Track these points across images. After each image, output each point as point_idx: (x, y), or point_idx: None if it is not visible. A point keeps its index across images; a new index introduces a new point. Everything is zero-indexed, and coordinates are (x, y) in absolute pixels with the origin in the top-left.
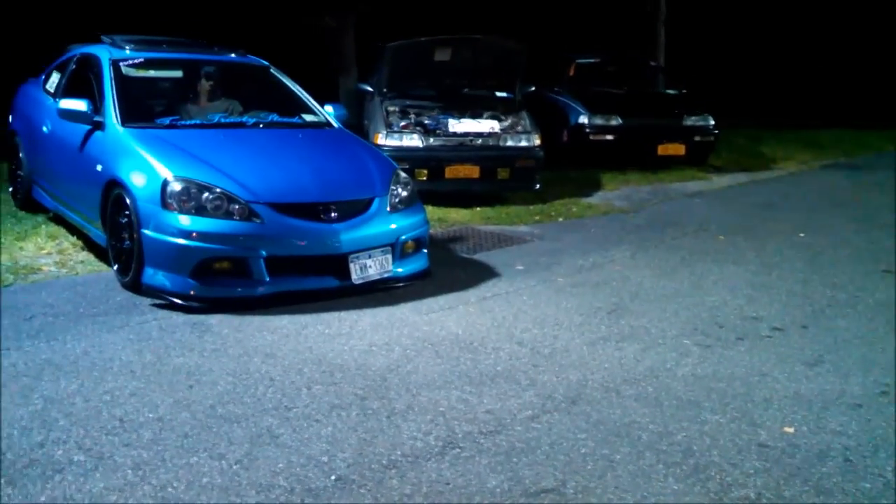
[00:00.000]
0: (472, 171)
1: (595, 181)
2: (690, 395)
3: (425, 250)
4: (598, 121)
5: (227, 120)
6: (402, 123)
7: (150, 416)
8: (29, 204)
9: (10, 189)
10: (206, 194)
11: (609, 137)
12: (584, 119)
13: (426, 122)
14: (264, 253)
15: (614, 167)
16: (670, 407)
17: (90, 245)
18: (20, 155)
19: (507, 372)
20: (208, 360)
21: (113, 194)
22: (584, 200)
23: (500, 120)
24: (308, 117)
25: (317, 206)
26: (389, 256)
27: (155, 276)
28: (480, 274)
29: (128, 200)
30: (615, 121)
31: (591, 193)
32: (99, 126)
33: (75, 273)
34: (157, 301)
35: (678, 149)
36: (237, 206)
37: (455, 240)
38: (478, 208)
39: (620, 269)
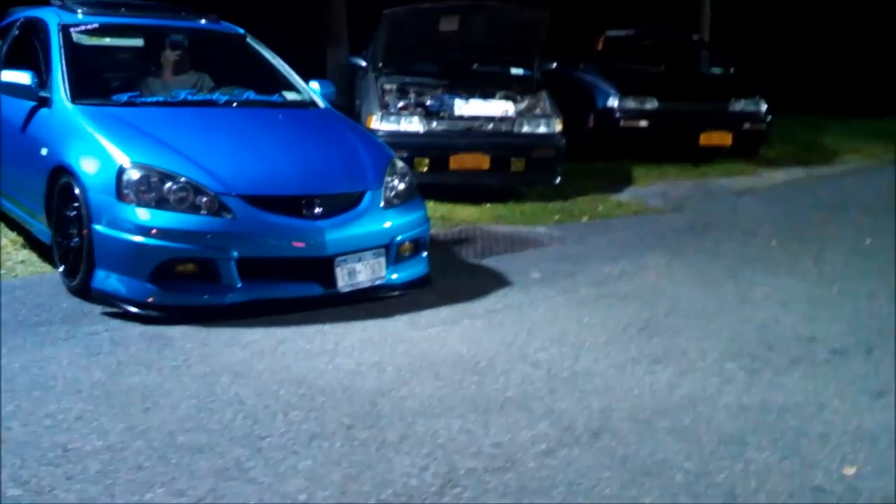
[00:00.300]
0: (482, 162)
1: (626, 175)
2: (734, 428)
3: (425, 253)
4: (631, 104)
5: (196, 97)
6: (401, 104)
7: (99, 444)
8: None
9: None
10: (168, 184)
11: (643, 124)
12: (613, 102)
13: (428, 102)
14: (236, 254)
15: (649, 159)
16: (710, 442)
17: (32, 242)
18: None
19: (518, 398)
20: (168, 380)
21: (60, 183)
22: (613, 198)
23: (515, 101)
24: (290, 95)
25: (298, 199)
26: (383, 260)
27: (107, 279)
28: (489, 282)
29: (77, 190)
30: (650, 104)
31: (622, 189)
32: (45, 103)
33: (14, 275)
34: (110, 309)
35: (724, 138)
36: (205, 199)
37: (460, 242)
38: (488, 205)
39: (654, 278)
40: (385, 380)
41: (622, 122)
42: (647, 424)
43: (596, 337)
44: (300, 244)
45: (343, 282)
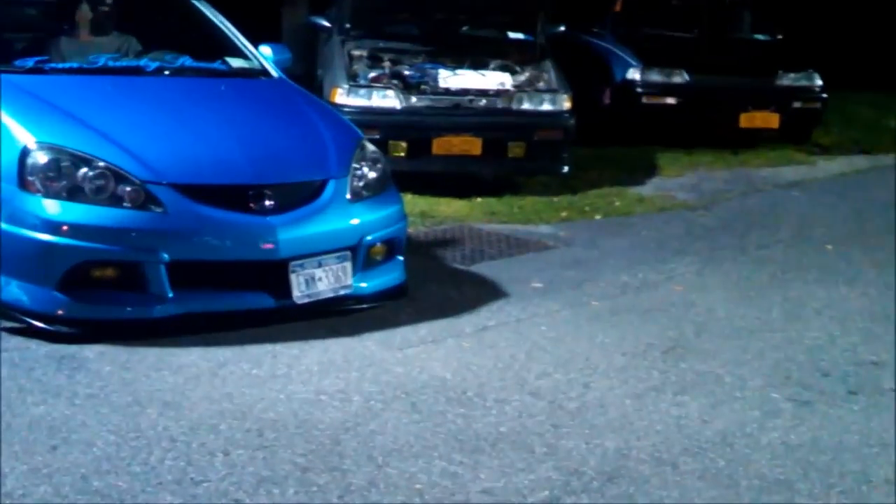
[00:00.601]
0: (472, 146)
1: (649, 163)
2: (779, 471)
3: (401, 258)
4: (656, 77)
5: (119, 64)
6: (372, 74)
7: None
8: None
9: None
10: (83, 170)
11: (670, 101)
12: (634, 74)
13: (406, 72)
14: (166, 256)
15: (677, 144)
16: (750, 488)
17: None
18: None
19: (514, 434)
20: (81, 411)
21: None
22: (633, 190)
23: (513, 72)
24: (235, 62)
25: (244, 189)
26: (349, 265)
27: (7, 287)
28: (480, 293)
29: None
30: (679, 77)
31: (644, 181)
32: None
33: None
34: (9, 324)
35: (769, 119)
36: (129, 188)
37: (445, 244)
38: (479, 199)
39: (682, 289)
40: (350, 412)
41: (644, 99)
42: (673, 467)
43: (610, 360)
44: (246, 245)
45: (299, 291)
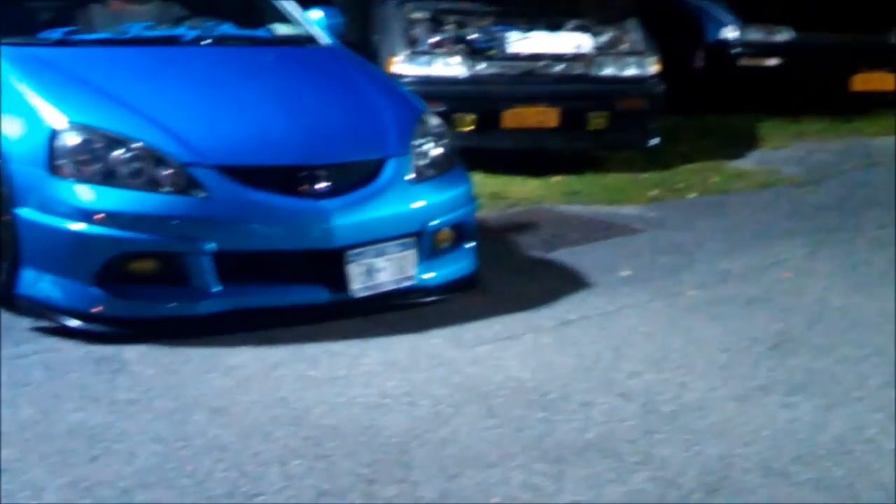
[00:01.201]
0: (548, 117)
1: (749, 133)
2: None
3: (470, 244)
4: (755, 35)
5: (154, 33)
6: (434, 39)
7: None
8: None
9: None
10: (118, 152)
11: (772, 62)
12: (730, 32)
13: (472, 37)
14: (212, 246)
15: (780, 111)
16: (872, 500)
17: None
18: None
19: (603, 441)
20: (122, 418)
21: None
22: (731, 165)
23: (592, 34)
24: (282, 28)
25: (294, 171)
26: (412, 254)
27: (38, 282)
28: (560, 283)
29: None
30: (782, 35)
31: (743, 153)
32: None
33: None
34: (42, 323)
35: (886, 81)
36: (168, 171)
37: (520, 228)
38: (556, 177)
39: (790, 276)
40: (418, 417)
41: (742, 61)
42: (784, 477)
43: (710, 358)
44: (299, 233)
45: (358, 284)
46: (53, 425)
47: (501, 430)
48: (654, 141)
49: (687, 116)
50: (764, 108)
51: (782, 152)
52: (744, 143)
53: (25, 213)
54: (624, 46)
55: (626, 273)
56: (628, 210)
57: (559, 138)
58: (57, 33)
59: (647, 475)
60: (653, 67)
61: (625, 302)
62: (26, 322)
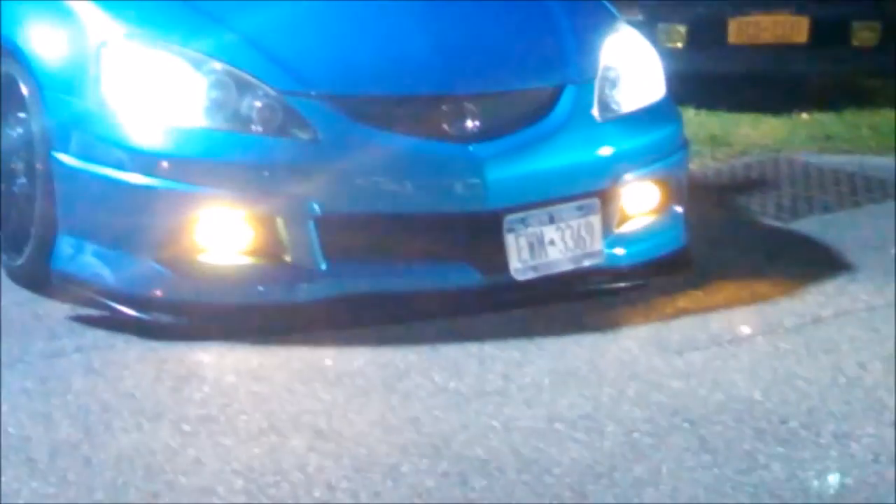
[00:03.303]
0: (794, 28)
1: None
2: None
3: (679, 209)
4: None
5: None
6: None
7: None
8: None
9: None
10: (193, 75)
11: None
12: None
13: None
14: (317, 208)
15: None
16: None
17: None
18: None
19: (867, 488)
20: (193, 441)
21: None
22: None
23: None
24: None
25: (435, 102)
26: (597, 221)
27: (78, 255)
28: (807, 266)
29: (24, 88)
30: None
31: None
32: None
33: None
34: (85, 310)
35: None
36: (260, 103)
37: (751, 187)
38: (805, 115)
39: None
40: (603, 449)
41: None
42: None
43: None
44: (438, 190)
45: (520, 262)
46: (99, 450)
47: (720, 469)
48: None
49: None
50: None
51: None
52: None
53: (64, 158)
54: None
55: None
56: None
57: (810, 59)
58: None
59: None
60: None
61: None
62: (64, 308)
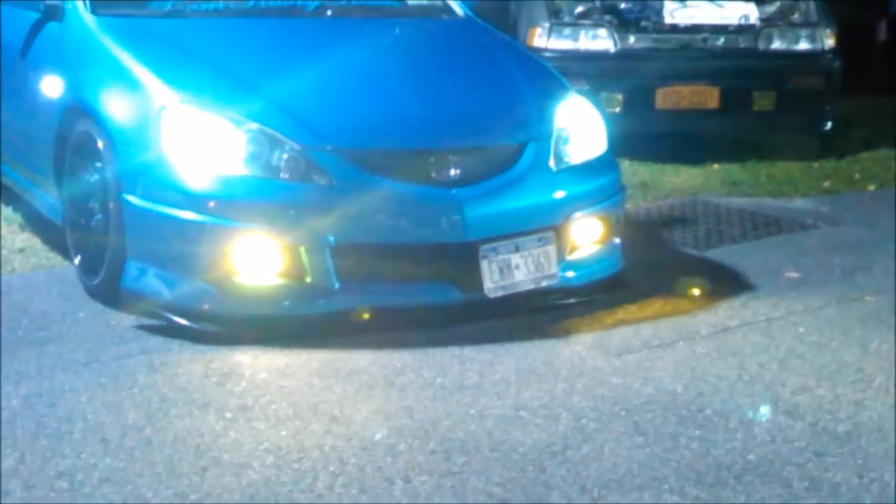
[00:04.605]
0: (707, 97)
1: None
2: None
3: (618, 240)
4: None
5: (272, 3)
6: (579, 9)
7: None
8: None
9: None
10: (234, 133)
11: None
12: None
13: (622, 6)
14: (332, 239)
15: None
16: None
17: (35, 221)
18: None
19: (766, 464)
20: (233, 426)
21: (76, 133)
22: None
23: (760, 2)
24: None
25: (424, 155)
26: (553, 249)
27: (143, 276)
28: (719, 285)
29: (100, 143)
30: None
31: None
32: (54, 13)
33: (10, 269)
34: (148, 320)
35: None
36: (287, 155)
37: (674, 223)
38: (716, 165)
39: None
40: (557, 432)
41: None
42: None
43: (890, 372)
44: (428, 225)
45: (492, 282)
46: (159, 432)
47: (651, 448)
48: (828, 125)
49: (866, 97)
50: None
51: None
52: None
53: (132, 199)
54: (796, 17)
55: (793, 275)
56: (798, 203)
57: (720, 121)
58: (167, 4)
59: (817, 503)
60: (828, 41)
61: (792, 307)
62: (131, 319)
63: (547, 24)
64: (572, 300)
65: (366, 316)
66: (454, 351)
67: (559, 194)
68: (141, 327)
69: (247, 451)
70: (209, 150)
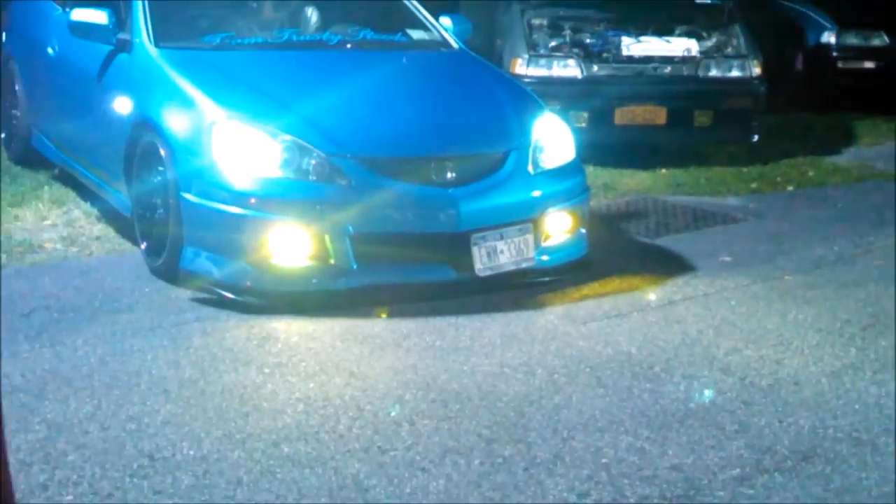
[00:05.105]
0: (657, 115)
1: (845, 132)
2: None
3: (583, 230)
4: (853, 40)
5: (302, 38)
6: (553, 44)
7: (191, 453)
8: (27, 156)
9: (2, 135)
10: (270, 143)
11: (869, 65)
12: (829, 37)
13: (588, 41)
14: (351, 229)
15: (876, 110)
16: None
17: (109, 214)
18: (16, 87)
19: (703, 411)
20: (270, 379)
21: (142, 142)
22: (829, 160)
23: (700, 38)
24: (416, 34)
25: (426, 162)
26: (531, 237)
27: (197, 259)
28: (666, 267)
29: (162, 151)
30: (879, 40)
31: (839, 150)
32: (123, 46)
33: (88, 253)
34: (201, 294)
35: None
36: (314, 161)
37: (629, 216)
38: (663, 170)
39: (882, 263)
40: (534, 385)
41: (841, 64)
42: (872, 447)
43: (805, 337)
44: (429, 217)
45: (481, 264)
46: (210, 384)
47: (610, 398)
48: (755, 137)
49: (787, 115)
50: (859, 108)
51: (876, 149)
52: (839, 140)
53: (188, 196)
54: (729, 50)
55: (726, 259)
56: (730, 201)
57: (667, 135)
58: (217, 38)
59: (745, 443)
60: (756, 69)
61: (725, 285)
62: (187, 293)
63: (526, 56)
64: (546, 279)
65: (384, 315)
66: (450, 319)
67: (536, 193)
68: (195, 300)
69: (281, 400)
70: (251, 157)
